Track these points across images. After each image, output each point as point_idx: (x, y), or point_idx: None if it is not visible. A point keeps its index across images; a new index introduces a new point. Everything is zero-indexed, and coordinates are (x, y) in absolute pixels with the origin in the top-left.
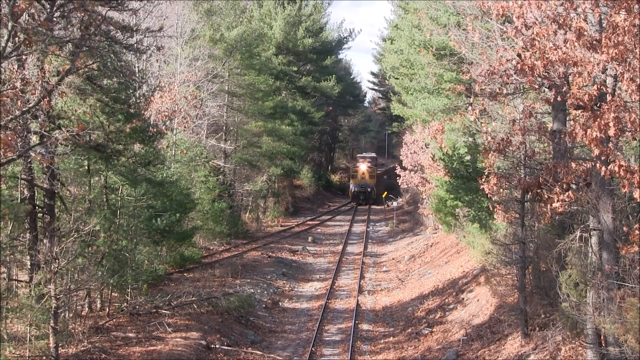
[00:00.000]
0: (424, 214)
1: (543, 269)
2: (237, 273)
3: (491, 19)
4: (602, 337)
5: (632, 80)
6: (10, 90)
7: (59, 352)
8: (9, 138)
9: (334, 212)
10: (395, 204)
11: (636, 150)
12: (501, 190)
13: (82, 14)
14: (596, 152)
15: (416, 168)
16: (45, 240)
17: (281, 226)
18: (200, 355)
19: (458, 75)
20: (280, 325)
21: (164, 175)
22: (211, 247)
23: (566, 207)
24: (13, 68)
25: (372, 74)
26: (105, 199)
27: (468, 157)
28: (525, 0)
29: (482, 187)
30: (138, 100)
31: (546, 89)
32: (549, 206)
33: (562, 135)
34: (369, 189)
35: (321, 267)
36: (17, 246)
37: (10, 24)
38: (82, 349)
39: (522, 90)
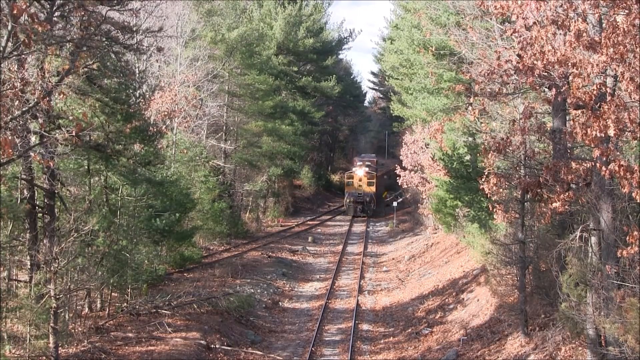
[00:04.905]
0: (424, 214)
1: (543, 269)
2: (237, 273)
3: (491, 19)
4: (602, 337)
5: (632, 80)
6: (10, 90)
7: (59, 352)
8: (9, 138)
9: (334, 212)
10: (395, 204)
11: (636, 150)
12: (501, 190)
13: (82, 14)
14: (596, 152)
15: (416, 168)
16: (45, 240)
17: (281, 226)
18: (200, 355)
19: (457, 74)
20: (280, 325)
21: (164, 175)
22: (211, 247)
23: (566, 207)
24: (13, 68)
25: (372, 73)
26: (105, 199)
27: (468, 157)
28: (525, 0)
29: (482, 187)
30: (138, 100)
31: (546, 89)
32: (549, 206)
33: (562, 135)
34: (367, 199)
35: (321, 267)
36: (17, 246)
37: (10, 24)
38: (82, 349)
39: (522, 90)
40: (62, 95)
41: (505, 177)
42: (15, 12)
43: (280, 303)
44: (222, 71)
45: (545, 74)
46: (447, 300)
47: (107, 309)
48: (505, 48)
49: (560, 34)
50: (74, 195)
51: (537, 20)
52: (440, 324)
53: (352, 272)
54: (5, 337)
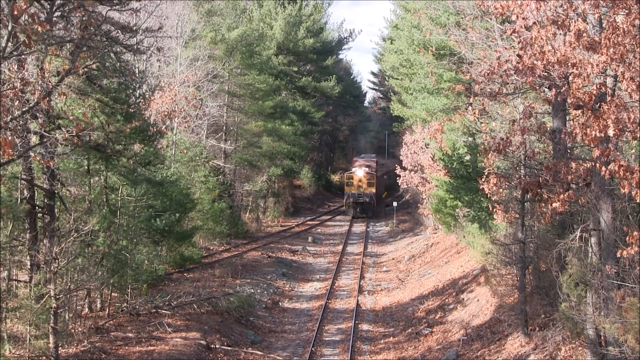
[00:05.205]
0: (424, 214)
1: (543, 269)
2: (237, 273)
3: (491, 19)
4: (602, 337)
5: (632, 79)
6: (10, 90)
7: (59, 352)
8: (9, 138)
9: (334, 212)
10: (395, 204)
11: (636, 150)
12: (501, 190)
13: (82, 14)
14: (596, 152)
15: (416, 168)
16: (45, 240)
17: (281, 226)
18: (200, 355)
19: (457, 74)
20: (280, 325)
21: (164, 175)
22: (211, 247)
23: (566, 207)
24: (13, 68)
25: (372, 73)
26: (105, 199)
27: (468, 157)
28: (525, 0)
29: (482, 187)
30: (138, 100)
31: (546, 89)
32: (549, 206)
33: (562, 135)
34: (367, 199)
35: (321, 267)
36: (17, 246)
37: (10, 25)
38: (82, 349)
39: (522, 90)
40: (62, 95)
41: (505, 177)
42: (15, 12)
43: (280, 303)
44: (222, 71)
45: (545, 74)
46: (447, 300)
47: (107, 309)
48: (505, 48)
49: (560, 34)
50: (74, 195)
51: (537, 21)
52: (440, 324)
53: (352, 272)
54: (5, 337)
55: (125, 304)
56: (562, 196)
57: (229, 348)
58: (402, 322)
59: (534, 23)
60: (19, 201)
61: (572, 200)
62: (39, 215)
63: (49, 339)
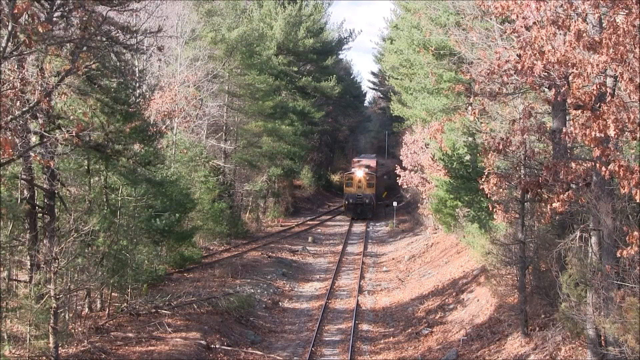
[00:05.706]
0: (424, 214)
1: (543, 269)
2: (237, 273)
3: (491, 19)
4: (602, 337)
5: (631, 80)
6: (10, 90)
7: (59, 352)
8: (9, 138)
9: (334, 212)
10: (395, 204)
11: (636, 150)
12: (501, 190)
13: (82, 14)
14: (596, 152)
15: (416, 168)
16: (45, 240)
17: (281, 226)
18: (200, 355)
19: (457, 74)
20: (280, 325)
21: (164, 175)
22: (211, 247)
23: (566, 207)
24: (13, 68)
25: (372, 73)
26: (105, 199)
27: (468, 157)
28: (525, 0)
29: (482, 187)
30: (138, 100)
31: (546, 89)
32: (549, 206)
33: (562, 135)
34: (367, 200)
35: (321, 267)
36: (17, 246)
37: (10, 25)
38: (82, 349)
39: (522, 90)
40: (62, 95)
41: (505, 177)
42: (15, 11)
43: (280, 303)
44: (222, 71)
45: (545, 74)
46: (447, 300)
47: (107, 309)
48: (505, 48)
49: (560, 34)
50: (74, 195)
51: (537, 21)
52: (440, 324)
53: (352, 272)
54: (5, 337)
55: (125, 304)
56: (562, 196)
57: (229, 348)
58: (402, 322)
59: (534, 23)
60: (19, 201)
61: (572, 200)
62: (39, 215)
63: (49, 339)
